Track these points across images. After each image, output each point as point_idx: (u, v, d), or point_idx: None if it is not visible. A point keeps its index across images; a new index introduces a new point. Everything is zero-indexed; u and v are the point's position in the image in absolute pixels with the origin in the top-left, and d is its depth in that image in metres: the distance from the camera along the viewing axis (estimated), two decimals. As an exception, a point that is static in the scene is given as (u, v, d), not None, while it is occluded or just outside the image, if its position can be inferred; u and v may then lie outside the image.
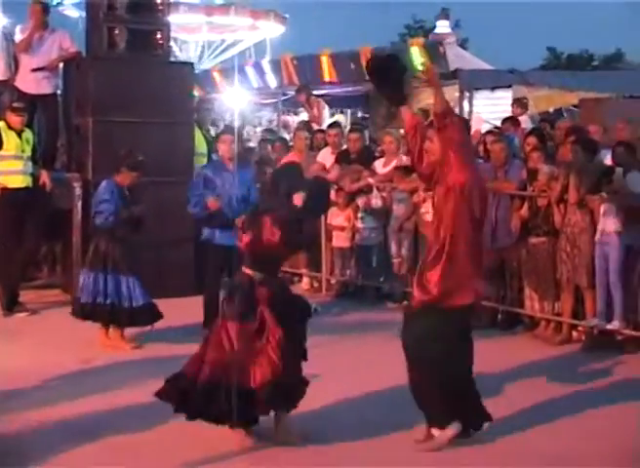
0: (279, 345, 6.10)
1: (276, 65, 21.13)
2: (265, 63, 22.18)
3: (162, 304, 9.18)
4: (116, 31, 11.56)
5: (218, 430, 6.18)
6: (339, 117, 21.00)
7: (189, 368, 6.25)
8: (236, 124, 14.24)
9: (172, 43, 15.99)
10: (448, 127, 6.00)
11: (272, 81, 21.10)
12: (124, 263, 8.96)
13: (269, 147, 13.97)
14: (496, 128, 11.87)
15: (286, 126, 20.45)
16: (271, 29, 30.45)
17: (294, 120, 20.44)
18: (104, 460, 6.00)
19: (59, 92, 12.46)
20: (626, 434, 6.56)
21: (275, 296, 6.24)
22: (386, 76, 6.35)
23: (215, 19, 28.56)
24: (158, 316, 9.09)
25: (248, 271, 6.33)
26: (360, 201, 11.55)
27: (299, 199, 6.40)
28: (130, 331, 9.20)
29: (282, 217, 6.22)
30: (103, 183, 9.12)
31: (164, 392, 6.24)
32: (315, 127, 14.72)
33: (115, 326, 9.09)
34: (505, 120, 13.29)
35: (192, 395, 6.08)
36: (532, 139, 10.43)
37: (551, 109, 18.41)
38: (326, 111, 17.04)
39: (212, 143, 12.41)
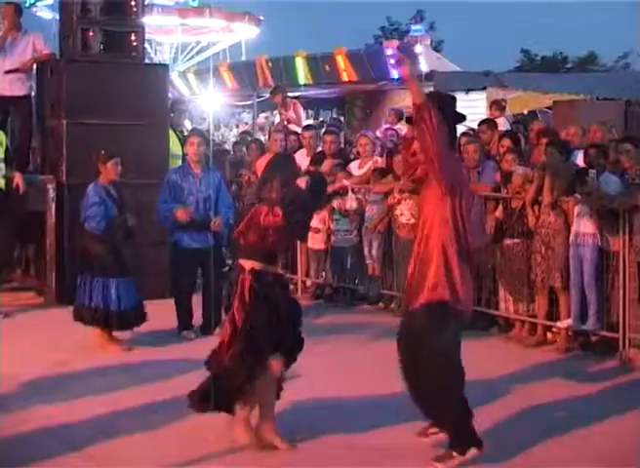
0: (234, 333, 6.12)
1: (251, 67, 21.14)
2: (240, 65, 22.20)
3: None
4: (90, 33, 11.51)
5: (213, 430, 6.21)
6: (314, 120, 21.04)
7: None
8: (210, 125, 14.19)
9: (146, 45, 15.93)
10: (425, 119, 5.88)
11: (247, 83, 21.13)
12: (115, 266, 8.94)
13: (244, 149, 13.95)
14: (471, 129, 11.89)
15: (262, 128, 20.44)
16: (246, 31, 30.42)
17: (272, 121, 20.40)
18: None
19: (32, 94, 12.40)
20: (608, 434, 6.60)
21: (261, 284, 6.18)
22: None
23: (189, 20, 28.51)
24: (143, 318, 9.12)
25: (242, 262, 6.28)
26: (335, 203, 11.56)
27: (302, 182, 6.40)
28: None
29: (282, 197, 6.18)
30: (90, 187, 9.09)
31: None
32: (293, 128, 14.73)
33: (105, 328, 9.05)
34: (482, 122, 13.31)
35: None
36: (506, 141, 10.49)
37: (525, 111, 18.52)
38: (301, 112, 17.04)
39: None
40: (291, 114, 15.98)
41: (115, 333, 9.11)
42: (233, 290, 6.28)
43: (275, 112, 16.39)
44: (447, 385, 5.94)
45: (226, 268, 11.35)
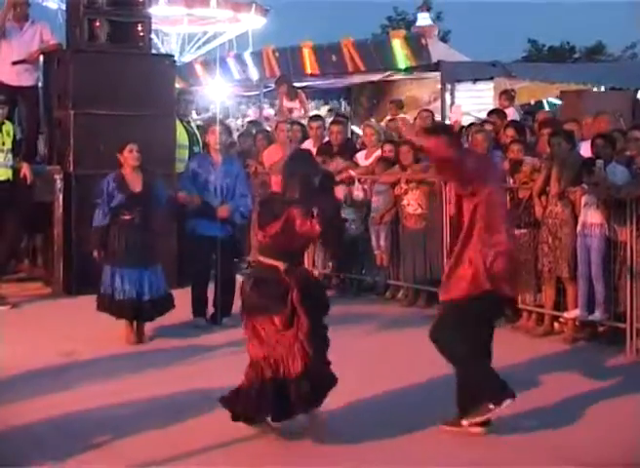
0: (308, 336, 6.04)
1: (258, 57, 21.10)
2: (247, 55, 22.15)
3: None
4: (97, 23, 11.52)
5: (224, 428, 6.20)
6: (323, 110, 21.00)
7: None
8: (218, 116, 14.16)
9: (153, 35, 15.92)
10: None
11: (254, 73, 21.09)
12: (140, 254, 8.92)
13: (251, 140, 13.94)
14: (484, 121, 11.89)
15: (268, 118, 20.41)
16: (253, 21, 30.36)
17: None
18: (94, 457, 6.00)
19: (39, 84, 12.41)
20: (619, 423, 6.61)
21: (302, 286, 6.13)
22: None
23: (195, 11, 28.42)
24: (169, 307, 9.14)
25: (271, 261, 6.20)
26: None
27: (340, 191, 6.37)
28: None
29: (319, 208, 6.11)
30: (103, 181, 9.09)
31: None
32: (297, 118, 14.72)
33: (130, 319, 9.05)
34: (491, 112, 13.31)
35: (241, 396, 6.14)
36: (510, 131, 10.53)
37: (533, 101, 18.48)
38: (307, 103, 17.04)
39: (193, 135, 12.42)
40: (295, 104, 15.98)
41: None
42: (262, 287, 6.19)
43: (297, 102, 16.34)
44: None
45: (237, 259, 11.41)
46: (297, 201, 6.12)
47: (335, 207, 6.48)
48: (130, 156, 9.03)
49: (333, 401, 6.40)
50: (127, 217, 8.88)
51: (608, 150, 9.04)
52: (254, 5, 30.04)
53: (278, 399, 5.98)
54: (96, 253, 8.96)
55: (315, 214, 6.04)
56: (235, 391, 6.20)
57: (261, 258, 6.30)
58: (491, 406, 6.21)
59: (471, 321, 6.25)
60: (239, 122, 21.96)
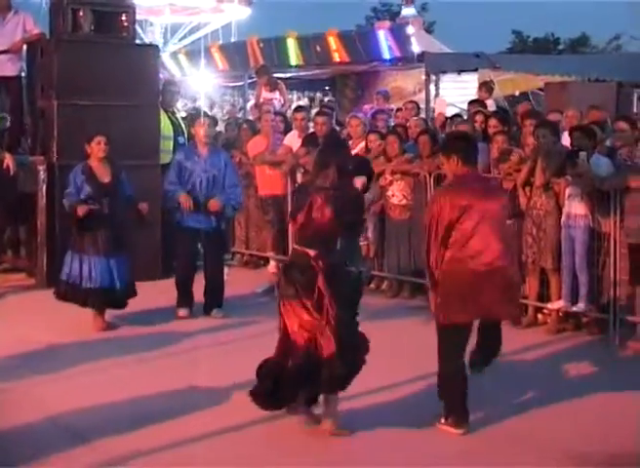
0: (336, 320, 6.08)
1: (242, 48, 21.07)
2: (231, 46, 22.12)
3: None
4: (80, 13, 11.45)
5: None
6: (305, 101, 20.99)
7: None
8: (203, 107, 14.15)
9: (138, 26, 15.84)
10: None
11: (238, 64, 21.06)
12: (107, 243, 8.94)
13: (236, 130, 13.92)
14: (476, 112, 11.91)
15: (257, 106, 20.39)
16: (237, 12, 30.24)
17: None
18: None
19: (23, 74, 12.34)
20: (604, 413, 6.67)
21: (330, 272, 6.18)
22: None
23: (177, 0, 28.22)
24: (132, 295, 9.17)
25: (302, 249, 6.26)
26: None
27: (359, 182, 6.43)
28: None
29: (335, 196, 6.17)
30: (73, 170, 9.13)
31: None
32: (279, 109, 14.72)
33: (91, 307, 9.08)
34: (472, 102, 13.36)
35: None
36: (494, 122, 10.57)
37: (517, 93, 18.50)
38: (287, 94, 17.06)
39: (178, 126, 12.38)
40: (275, 95, 15.98)
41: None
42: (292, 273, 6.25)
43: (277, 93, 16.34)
44: None
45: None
46: (325, 188, 6.19)
47: (356, 194, 6.52)
48: (97, 148, 9.05)
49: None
50: (92, 207, 8.89)
51: (585, 142, 9.06)
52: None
53: (310, 380, 6.08)
54: (82, 210, 8.92)
55: (327, 199, 6.11)
56: (266, 373, 6.29)
57: (295, 246, 6.42)
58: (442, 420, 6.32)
59: None
60: (224, 112, 21.92)
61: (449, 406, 6.29)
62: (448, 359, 6.29)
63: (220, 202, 9.65)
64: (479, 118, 11.26)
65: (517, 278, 6.47)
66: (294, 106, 15.85)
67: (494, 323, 6.53)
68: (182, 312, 9.67)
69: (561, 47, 45.84)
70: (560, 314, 9.21)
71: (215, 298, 9.76)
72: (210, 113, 18.93)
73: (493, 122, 10.59)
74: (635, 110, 13.39)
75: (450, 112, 14.38)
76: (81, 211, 8.85)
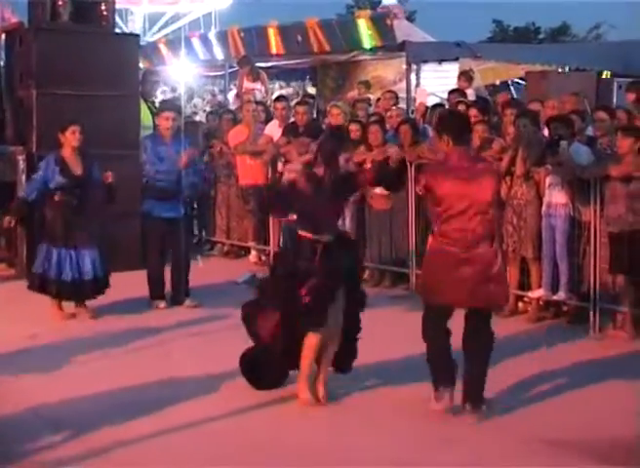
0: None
1: (223, 37, 20.99)
2: (212, 36, 22.03)
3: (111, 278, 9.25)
4: (60, 2, 11.39)
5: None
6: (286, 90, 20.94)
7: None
8: (182, 96, 14.10)
9: (118, 15, 15.77)
10: None
11: (219, 53, 20.98)
12: (79, 235, 8.93)
13: (217, 120, 13.88)
14: (458, 102, 11.92)
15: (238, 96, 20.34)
16: (217, 1, 30.12)
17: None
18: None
19: (1, 63, 12.25)
20: (584, 400, 6.71)
21: (328, 251, 6.46)
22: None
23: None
24: (105, 287, 9.14)
25: (303, 233, 6.55)
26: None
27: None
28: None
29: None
30: (44, 159, 9.14)
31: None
32: (261, 99, 14.70)
33: (65, 299, 9.07)
34: (452, 92, 13.37)
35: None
36: (474, 112, 10.61)
37: (498, 82, 18.50)
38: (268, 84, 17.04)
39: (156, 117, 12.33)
40: (257, 85, 15.97)
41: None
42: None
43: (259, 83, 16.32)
44: None
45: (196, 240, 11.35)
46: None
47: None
48: (72, 137, 9.02)
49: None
50: (58, 199, 8.89)
51: (564, 131, 9.08)
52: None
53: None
54: (7, 222, 9.03)
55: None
56: (257, 353, 6.64)
57: (299, 231, 6.60)
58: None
59: None
60: (205, 102, 21.84)
61: (432, 382, 6.37)
62: (427, 338, 6.39)
63: (189, 154, 9.64)
64: (461, 107, 11.28)
65: (498, 265, 6.34)
66: (274, 96, 15.82)
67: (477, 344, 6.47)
68: (161, 304, 9.63)
69: (542, 36, 45.88)
70: (540, 302, 9.25)
71: (184, 288, 9.73)
72: (190, 103, 18.90)
73: (473, 112, 10.62)
74: (615, 100, 13.40)
75: (431, 102, 14.37)
76: (6, 222, 8.94)
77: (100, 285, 9.12)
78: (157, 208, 9.62)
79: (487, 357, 6.38)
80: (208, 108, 17.89)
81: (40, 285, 9.01)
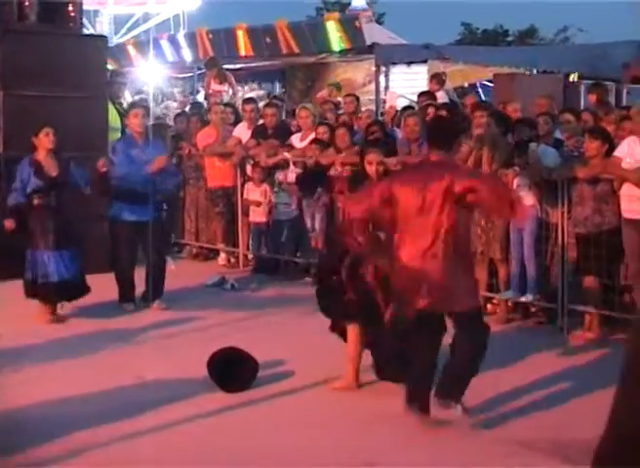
0: None
1: (191, 39, 20.96)
2: (181, 37, 21.99)
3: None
4: (27, 3, 11.32)
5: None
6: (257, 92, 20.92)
7: None
8: (151, 98, 14.06)
9: (86, 16, 15.68)
10: None
11: (188, 55, 20.95)
12: (57, 237, 8.88)
13: (185, 122, 13.83)
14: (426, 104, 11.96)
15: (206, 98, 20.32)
16: (184, 3, 29.97)
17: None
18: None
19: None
20: (554, 399, 6.73)
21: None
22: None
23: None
24: (85, 290, 9.10)
25: None
26: (278, 176, 11.55)
27: None
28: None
29: None
30: (20, 163, 9.07)
31: None
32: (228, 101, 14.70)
33: (49, 303, 9.05)
34: (422, 94, 13.40)
35: None
36: (442, 113, 10.64)
37: (466, 84, 18.58)
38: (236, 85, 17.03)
39: (125, 117, 12.28)
40: (224, 87, 15.95)
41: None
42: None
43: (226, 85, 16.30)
44: None
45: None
46: None
47: None
48: (46, 139, 8.97)
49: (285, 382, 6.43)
50: (37, 202, 8.85)
51: (527, 132, 9.13)
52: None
53: None
54: (9, 224, 8.96)
55: None
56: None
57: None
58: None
59: None
60: (175, 104, 21.79)
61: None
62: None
63: (163, 161, 9.61)
64: (430, 110, 11.32)
65: (451, 271, 6.01)
66: (244, 98, 15.80)
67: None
68: (129, 307, 9.59)
69: (510, 39, 46.07)
70: (509, 304, 9.28)
71: (155, 290, 9.69)
72: (159, 105, 18.83)
73: (441, 113, 10.65)
74: (582, 102, 13.50)
75: (400, 104, 14.41)
76: (8, 224, 8.89)
77: (81, 285, 9.07)
78: (126, 211, 9.56)
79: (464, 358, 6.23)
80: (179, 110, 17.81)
81: (31, 290, 8.95)
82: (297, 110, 12.54)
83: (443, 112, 10.70)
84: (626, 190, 8.24)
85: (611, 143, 8.54)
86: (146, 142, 9.72)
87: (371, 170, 6.82)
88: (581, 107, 12.00)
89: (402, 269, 6.13)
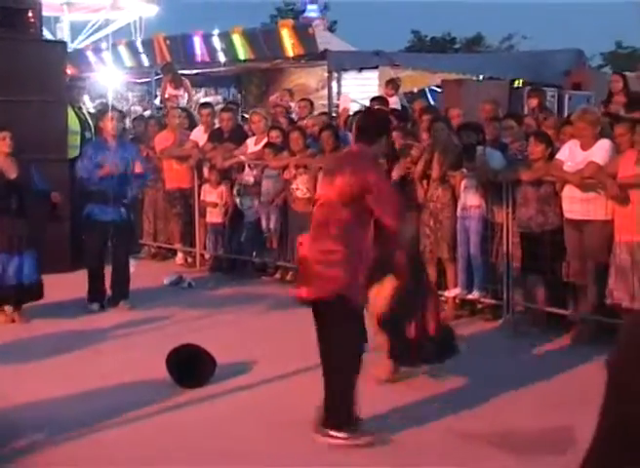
0: None
1: (149, 45, 20.87)
2: (139, 43, 21.89)
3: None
4: (-13, 9, 11.22)
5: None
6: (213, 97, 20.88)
7: None
8: (109, 102, 13.98)
9: (45, 23, 15.53)
10: None
11: (145, 60, 20.86)
12: (16, 240, 8.79)
13: (142, 126, 13.78)
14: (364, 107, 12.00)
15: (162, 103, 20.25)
16: (141, 9, 29.74)
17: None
18: None
19: None
20: (502, 392, 6.76)
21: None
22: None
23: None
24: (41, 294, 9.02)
25: None
26: (236, 178, 11.57)
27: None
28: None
29: None
30: None
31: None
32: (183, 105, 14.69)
33: (6, 303, 8.97)
34: (373, 99, 13.44)
35: None
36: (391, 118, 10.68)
37: (415, 89, 18.68)
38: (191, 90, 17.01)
39: (84, 121, 12.21)
40: (180, 92, 15.92)
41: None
42: None
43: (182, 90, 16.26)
44: None
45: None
46: None
47: None
48: (2, 143, 8.88)
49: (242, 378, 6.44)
50: None
51: (473, 136, 9.22)
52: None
53: None
54: None
55: None
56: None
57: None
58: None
59: None
60: (133, 108, 21.68)
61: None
62: None
63: (117, 163, 9.53)
64: (379, 114, 11.38)
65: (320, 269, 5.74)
66: (200, 102, 15.78)
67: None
68: (94, 306, 9.53)
69: (457, 46, 46.38)
70: (457, 301, 9.36)
71: (122, 290, 9.66)
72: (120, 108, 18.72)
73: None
74: (526, 107, 13.63)
75: (352, 108, 14.46)
76: None
77: (37, 289, 8.98)
78: (97, 211, 9.51)
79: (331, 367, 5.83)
80: (147, 114, 17.73)
81: None
82: (249, 115, 12.55)
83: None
84: (568, 192, 8.35)
85: (552, 147, 8.64)
86: (118, 144, 9.67)
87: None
88: (525, 112, 12.11)
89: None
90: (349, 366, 5.74)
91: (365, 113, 7.37)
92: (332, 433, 5.69)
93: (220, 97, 20.48)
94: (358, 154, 6.04)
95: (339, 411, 5.72)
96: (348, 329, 5.76)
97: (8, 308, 8.96)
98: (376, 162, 6.27)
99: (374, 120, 6.42)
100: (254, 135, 12.00)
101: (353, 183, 5.71)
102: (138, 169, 9.73)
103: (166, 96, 16.02)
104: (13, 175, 8.88)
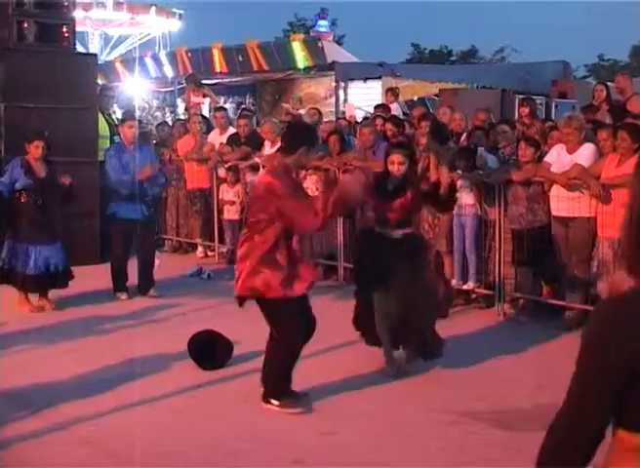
0: None
1: (172, 57, 20.92)
2: (163, 55, 21.92)
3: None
4: (25, 25, 11.25)
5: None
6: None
7: None
8: (137, 110, 14.01)
9: (77, 36, 15.56)
10: None
11: (169, 71, 20.89)
12: (42, 232, 8.79)
13: (165, 131, 13.80)
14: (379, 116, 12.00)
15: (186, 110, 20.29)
16: (161, 24, 29.74)
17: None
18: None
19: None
20: (498, 375, 6.75)
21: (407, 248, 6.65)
22: None
23: (92, 13, 27.32)
24: (67, 280, 9.02)
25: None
26: (249, 178, 11.55)
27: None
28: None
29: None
30: (13, 161, 8.99)
31: None
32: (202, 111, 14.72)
33: (30, 291, 8.95)
34: (377, 106, 13.45)
35: None
36: (389, 126, 10.82)
37: (415, 98, 18.67)
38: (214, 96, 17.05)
39: (114, 127, 12.23)
40: (202, 99, 15.99)
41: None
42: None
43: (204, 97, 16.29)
44: None
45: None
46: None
47: None
48: (35, 151, 8.93)
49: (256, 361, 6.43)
50: (25, 199, 8.77)
51: (483, 140, 9.26)
52: (153, 7, 29.11)
53: None
54: None
55: None
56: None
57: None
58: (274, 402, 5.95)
59: None
60: (158, 114, 21.73)
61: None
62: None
63: (151, 169, 9.57)
64: (379, 121, 11.38)
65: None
66: (215, 107, 15.83)
67: None
68: (123, 296, 9.54)
69: (453, 58, 46.35)
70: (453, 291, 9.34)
71: (149, 280, 9.68)
72: (144, 115, 18.77)
73: (388, 126, 10.84)
74: (517, 114, 13.61)
75: (358, 115, 14.47)
76: None
77: (63, 278, 8.99)
78: (122, 210, 9.51)
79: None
80: (169, 120, 17.76)
81: (5, 277, 8.86)
82: (261, 124, 12.60)
83: (388, 125, 10.78)
84: (555, 191, 8.34)
85: (540, 151, 8.65)
86: (136, 149, 9.67)
87: (393, 168, 6.83)
88: (515, 117, 12.10)
89: None
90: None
91: (289, 126, 7.30)
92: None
93: (236, 106, 20.53)
94: (276, 168, 6.00)
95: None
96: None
97: (32, 297, 8.96)
98: (285, 172, 5.98)
99: (294, 132, 6.41)
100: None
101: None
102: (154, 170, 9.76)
103: (190, 104, 16.03)
104: (42, 173, 8.95)
